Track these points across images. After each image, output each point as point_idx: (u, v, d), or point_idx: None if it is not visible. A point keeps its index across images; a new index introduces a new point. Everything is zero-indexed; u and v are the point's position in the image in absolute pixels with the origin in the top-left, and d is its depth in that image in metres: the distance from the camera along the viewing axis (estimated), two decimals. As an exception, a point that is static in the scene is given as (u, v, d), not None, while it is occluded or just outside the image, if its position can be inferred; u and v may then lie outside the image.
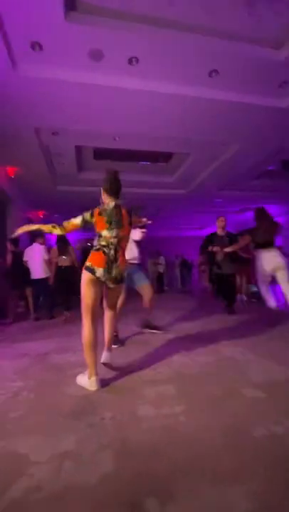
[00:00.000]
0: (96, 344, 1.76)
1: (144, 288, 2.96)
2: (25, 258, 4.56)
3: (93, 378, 1.69)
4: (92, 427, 1.29)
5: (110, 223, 1.86)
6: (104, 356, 1.96)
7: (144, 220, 2.39)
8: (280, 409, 1.35)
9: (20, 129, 4.65)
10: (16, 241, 4.54)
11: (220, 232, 4.26)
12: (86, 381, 1.72)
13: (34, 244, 4.74)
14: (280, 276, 3.21)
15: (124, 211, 1.96)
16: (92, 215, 1.89)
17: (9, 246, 4.57)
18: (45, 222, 11.41)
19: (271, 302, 3.34)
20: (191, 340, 2.69)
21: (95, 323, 1.79)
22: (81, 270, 1.84)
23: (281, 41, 3.30)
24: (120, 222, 1.89)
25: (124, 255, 1.94)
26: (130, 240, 2.37)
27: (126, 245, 2.00)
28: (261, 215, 3.64)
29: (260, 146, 5.62)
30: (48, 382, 1.88)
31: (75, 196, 8.38)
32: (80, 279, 1.82)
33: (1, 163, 6.03)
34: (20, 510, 0.85)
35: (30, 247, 4.71)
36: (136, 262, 2.99)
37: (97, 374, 1.71)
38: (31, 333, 3.47)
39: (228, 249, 3.69)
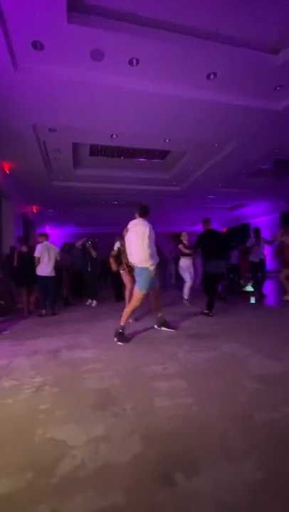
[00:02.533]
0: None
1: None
2: (37, 254, 4.57)
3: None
4: (116, 416, 1.48)
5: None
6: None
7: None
8: (276, 398, 1.58)
9: (19, 126, 4.66)
10: (27, 240, 4.68)
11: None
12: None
13: (47, 242, 4.77)
14: None
15: None
16: None
17: (20, 246, 4.70)
18: (39, 216, 11.31)
19: None
20: (192, 337, 2.91)
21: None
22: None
23: (278, 47, 3.46)
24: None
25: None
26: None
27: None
28: None
29: (254, 146, 5.82)
30: (66, 377, 2.05)
31: (70, 192, 8.41)
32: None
33: (-2, 159, 5.99)
34: (72, 483, 1.03)
35: (43, 245, 4.69)
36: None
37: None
38: (36, 330, 3.61)
39: None
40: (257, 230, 6.02)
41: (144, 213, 3.11)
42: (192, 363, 2.18)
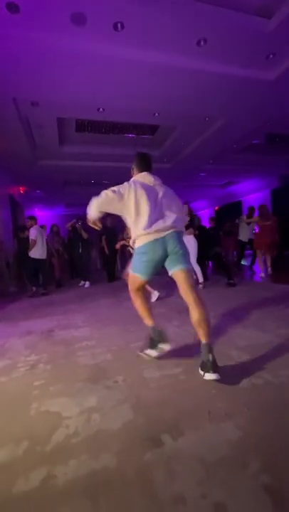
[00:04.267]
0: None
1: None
2: (34, 237, 4.66)
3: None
4: (108, 389, 1.55)
5: None
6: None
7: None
8: (259, 366, 1.67)
9: (-3, 99, 4.37)
10: (24, 227, 5.00)
11: None
12: None
13: (37, 226, 4.92)
14: None
15: None
16: None
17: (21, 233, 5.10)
18: (26, 197, 11.02)
19: None
20: (182, 313, 2.99)
21: None
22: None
23: (272, 10, 3.26)
24: None
25: None
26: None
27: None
28: None
29: (246, 119, 5.65)
30: (60, 354, 2.11)
31: (57, 171, 8.12)
32: None
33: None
34: (65, 450, 1.10)
35: (36, 227, 4.84)
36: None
37: None
38: (30, 311, 3.64)
39: None
40: (251, 209, 6.02)
41: None
42: (181, 337, 2.27)
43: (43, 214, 13.72)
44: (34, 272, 4.77)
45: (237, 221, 6.12)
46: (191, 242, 4.28)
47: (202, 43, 3.55)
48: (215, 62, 3.94)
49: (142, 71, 3.93)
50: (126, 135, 6.72)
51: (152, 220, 1.76)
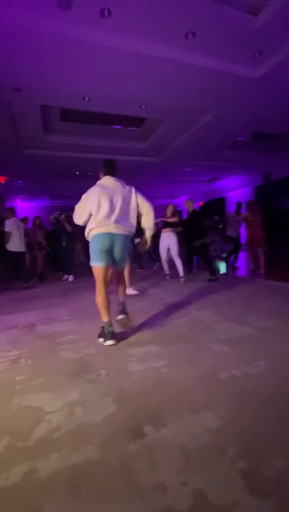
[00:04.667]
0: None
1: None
2: (8, 229, 4.57)
3: None
4: (91, 382, 1.55)
5: None
6: None
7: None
8: (239, 358, 1.73)
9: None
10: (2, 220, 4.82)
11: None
12: None
13: (15, 218, 4.80)
14: None
15: None
16: None
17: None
18: (8, 188, 10.61)
19: None
20: (166, 307, 3.03)
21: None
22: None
23: (259, 7, 3.27)
24: None
25: None
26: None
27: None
28: None
29: (232, 115, 5.70)
30: (42, 349, 2.08)
31: (41, 160, 7.85)
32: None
33: None
34: (47, 444, 1.10)
35: (13, 220, 4.73)
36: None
37: None
38: (12, 305, 3.55)
39: None
40: (239, 205, 6.11)
41: None
42: (165, 330, 2.30)
43: (25, 205, 13.29)
44: (15, 265, 4.67)
45: (226, 216, 6.21)
46: (172, 238, 4.61)
47: (190, 35, 3.52)
48: (202, 56, 3.93)
49: (129, 61, 3.85)
50: (112, 126, 6.60)
51: (107, 217, 2.05)
